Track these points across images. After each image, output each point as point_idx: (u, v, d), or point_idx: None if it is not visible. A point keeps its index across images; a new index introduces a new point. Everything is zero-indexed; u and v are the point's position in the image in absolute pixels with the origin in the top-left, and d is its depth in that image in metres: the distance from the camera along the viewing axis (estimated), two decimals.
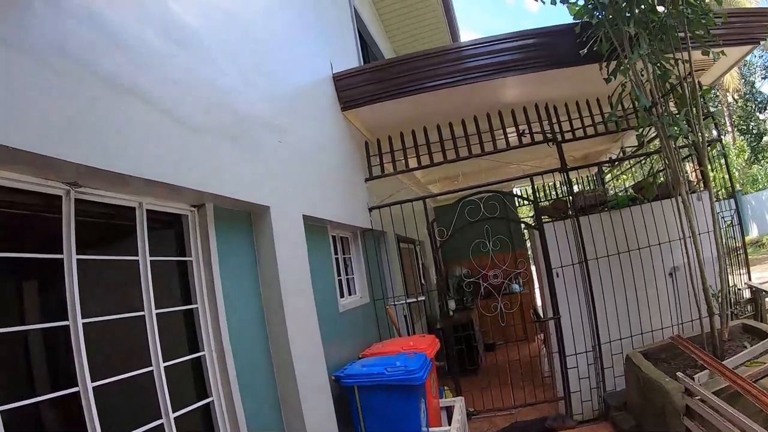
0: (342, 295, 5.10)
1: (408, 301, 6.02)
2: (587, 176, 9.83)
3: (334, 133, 5.15)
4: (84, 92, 1.98)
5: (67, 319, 2.10)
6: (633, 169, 8.26)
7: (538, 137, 5.77)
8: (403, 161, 5.73)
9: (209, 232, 2.94)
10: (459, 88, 5.32)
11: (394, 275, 6.36)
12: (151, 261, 2.58)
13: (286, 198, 3.65)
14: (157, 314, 2.53)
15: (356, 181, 5.54)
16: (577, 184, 8.94)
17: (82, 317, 2.14)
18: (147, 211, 2.62)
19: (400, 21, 9.38)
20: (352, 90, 5.38)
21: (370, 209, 5.71)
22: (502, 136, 5.84)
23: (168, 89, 2.56)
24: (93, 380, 2.10)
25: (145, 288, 2.51)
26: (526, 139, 5.81)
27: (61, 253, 2.14)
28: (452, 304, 8.64)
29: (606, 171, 9.55)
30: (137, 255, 2.53)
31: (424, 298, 7.17)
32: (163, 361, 2.50)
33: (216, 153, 2.90)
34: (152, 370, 2.45)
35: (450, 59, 5.34)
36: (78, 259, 2.17)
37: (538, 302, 8.32)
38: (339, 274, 5.09)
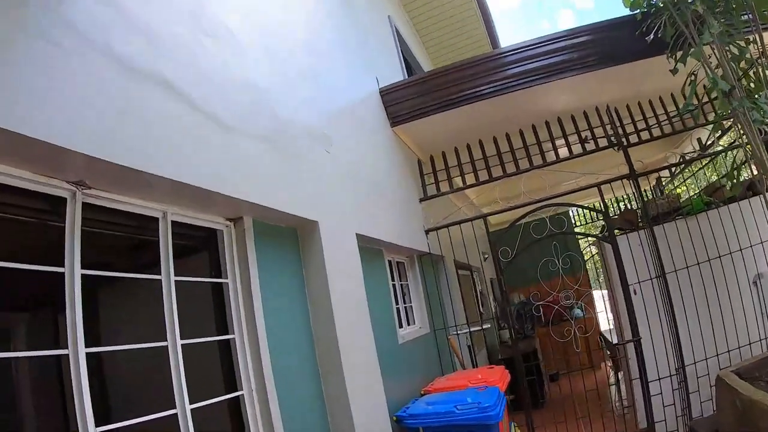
0: (400, 325, 4.46)
1: (472, 329, 5.28)
2: (645, 189, 8.88)
3: (386, 150, 4.66)
4: (91, 71, 1.56)
5: (67, 348, 1.60)
6: (702, 171, 7.29)
7: (602, 143, 5.05)
8: (459, 178, 5.13)
9: (248, 250, 2.44)
10: (510, 96, 4.76)
11: (455, 303, 5.66)
12: (177, 282, 2.08)
13: (336, 214, 3.14)
14: (183, 345, 2.00)
15: (411, 202, 4.99)
16: (631, 199, 7.98)
17: (87, 345, 1.64)
18: (173, 223, 2.15)
19: (438, 33, 8.86)
20: (400, 104, 4.92)
21: (427, 231, 5.11)
22: (564, 145, 5.15)
23: (197, 81, 2.14)
24: (98, 425, 1.58)
25: (169, 313, 2.01)
26: (590, 146, 5.09)
27: (63, 266, 1.67)
28: (509, 334, 7.83)
29: (667, 180, 8.52)
30: (159, 274, 2.04)
31: (489, 326, 6.37)
32: (190, 403, 1.95)
33: (255, 158, 2.43)
34: (176, 413, 1.90)
35: (498, 65, 4.81)
36: (83, 275, 1.70)
37: (602, 326, 7.43)
38: (396, 303, 4.47)
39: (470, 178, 5.12)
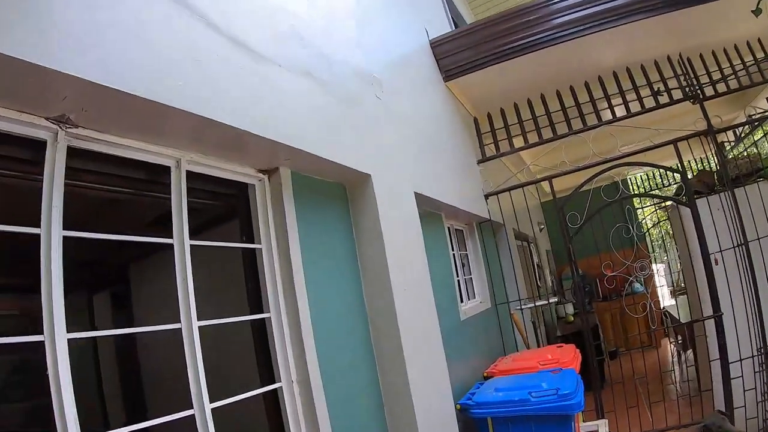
0: (461, 300, 3.87)
1: (538, 304, 4.59)
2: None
3: (440, 106, 4.01)
4: None
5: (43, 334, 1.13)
6: None
7: (676, 96, 4.19)
8: (520, 138, 4.38)
9: (285, 208, 1.90)
10: (570, 45, 3.97)
11: (516, 275, 4.99)
12: (195, 248, 1.57)
13: (392, 168, 2.56)
14: (201, 328, 1.50)
15: (468, 163, 4.33)
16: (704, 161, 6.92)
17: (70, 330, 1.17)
18: (190, 175, 1.63)
19: None
20: (452, 57, 4.22)
21: (486, 196, 4.44)
22: (635, 98, 4.31)
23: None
24: None
25: (182, 287, 1.50)
26: (663, 99, 4.23)
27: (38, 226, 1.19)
28: (570, 309, 7.07)
29: (743, 135, 7.35)
30: (171, 237, 1.53)
31: (556, 300, 5.64)
32: (211, 401, 1.46)
33: (295, 96, 1.89)
34: (192, 414, 1.41)
35: (554, 10, 4.01)
36: (65, 237, 1.21)
37: (664, 302, 6.73)
38: (456, 274, 3.87)
39: (532, 137, 4.38)
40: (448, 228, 3.92)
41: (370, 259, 2.25)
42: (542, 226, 7.85)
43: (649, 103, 4.27)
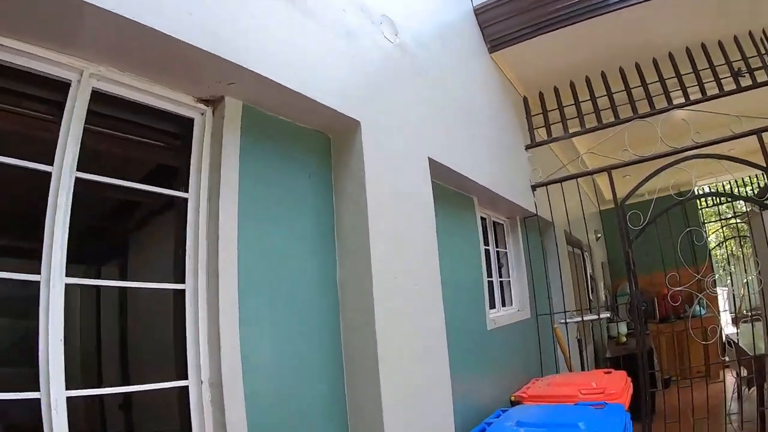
0: (492, 305, 3.25)
1: (587, 318, 3.82)
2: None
3: (483, 80, 3.43)
4: None
5: None
6: None
7: (760, 77, 3.39)
8: (576, 120, 3.68)
9: (224, 150, 1.44)
10: (643, 10, 3.23)
11: (565, 284, 4.25)
12: (82, 180, 1.16)
13: (396, 120, 2.02)
14: (70, 286, 1.08)
15: (514, 147, 3.70)
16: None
17: None
18: (95, 93, 1.23)
19: None
20: (498, 24, 3.61)
21: (534, 187, 3.77)
22: (712, 79, 3.50)
23: None
24: None
25: (50, 230, 1.08)
26: (745, 81, 3.43)
27: None
28: (623, 328, 6.22)
29: None
30: (51, 165, 1.13)
31: (608, 316, 4.78)
32: (67, 388, 1.03)
33: (262, 8, 1.44)
34: (38, 399, 0.98)
35: None
36: None
37: (727, 329, 6.04)
38: (489, 275, 3.27)
39: (590, 121, 3.67)
40: (483, 218, 3.31)
41: (348, 236, 1.74)
42: (599, 235, 6.99)
43: (729, 85, 3.46)
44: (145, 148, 1.48)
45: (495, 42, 3.67)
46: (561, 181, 3.72)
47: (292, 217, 1.62)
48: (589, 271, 6.45)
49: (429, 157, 2.20)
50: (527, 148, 3.87)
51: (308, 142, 1.76)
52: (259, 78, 1.40)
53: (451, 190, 2.77)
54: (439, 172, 2.39)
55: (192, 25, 1.21)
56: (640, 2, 3.21)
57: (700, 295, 3.52)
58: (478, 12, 3.66)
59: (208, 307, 1.31)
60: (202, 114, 1.49)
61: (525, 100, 4.02)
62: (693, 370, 5.65)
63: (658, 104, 3.55)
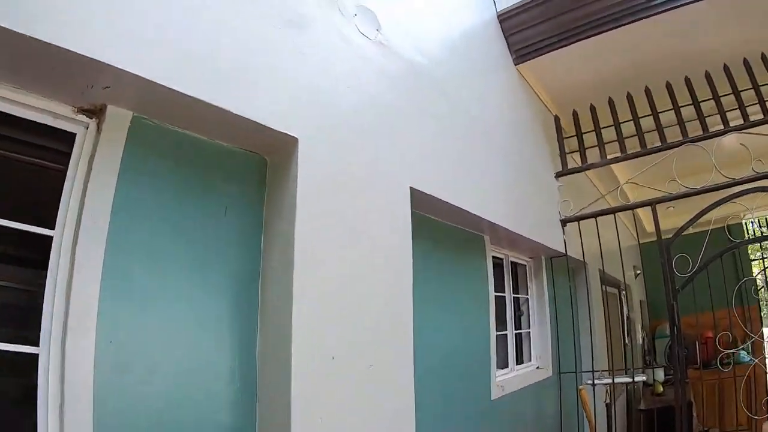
0: (504, 364, 2.75)
1: (619, 380, 3.17)
2: None
3: (503, 95, 3.00)
4: None
5: None
6: None
7: None
8: (616, 144, 3.15)
9: (95, 167, 1.12)
10: (693, 12, 2.72)
11: (596, 335, 3.64)
12: None
13: (353, 135, 1.63)
14: None
15: (542, 175, 3.23)
16: None
17: None
18: None
19: None
20: (525, 31, 3.17)
21: (564, 222, 3.25)
22: None
23: None
24: None
25: None
26: None
27: None
28: (660, 375, 5.73)
29: None
30: None
31: (644, 378, 4.05)
32: None
33: None
34: None
35: None
36: None
37: None
38: (504, 327, 2.78)
39: (631, 145, 3.14)
40: (499, 259, 2.84)
41: (273, 298, 1.35)
42: (638, 272, 6.31)
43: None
44: (18, 170, 1.19)
45: (521, 52, 3.25)
46: (597, 216, 3.18)
47: (191, 279, 1.24)
48: (625, 312, 5.78)
49: (411, 187, 1.80)
50: (558, 176, 3.37)
51: (231, 167, 1.40)
52: (145, 82, 1.07)
53: (451, 227, 2.34)
54: (429, 206, 1.99)
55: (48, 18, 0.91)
56: (692, 2, 2.69)
57: (750, 340, 2.92)
58: (502, 18, 3.26)
59: (59, 378, 0.96)
60: (86, 128, 1.18)
61: (556, 119, 3.53)
62: (730, 419, 5.05)
63: (711, 126, 3.00)
